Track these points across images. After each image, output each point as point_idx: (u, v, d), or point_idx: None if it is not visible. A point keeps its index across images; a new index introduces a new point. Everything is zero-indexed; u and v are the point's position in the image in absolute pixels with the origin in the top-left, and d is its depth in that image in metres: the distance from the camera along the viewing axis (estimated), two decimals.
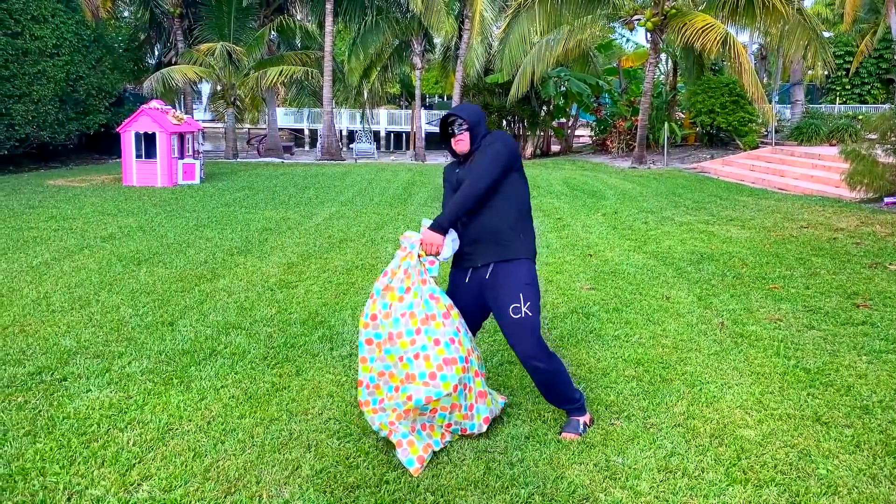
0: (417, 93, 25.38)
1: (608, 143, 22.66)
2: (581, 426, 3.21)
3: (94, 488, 2.73)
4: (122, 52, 23.33)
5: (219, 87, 22.55)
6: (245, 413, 3.40)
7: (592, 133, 26.42)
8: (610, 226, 9.02)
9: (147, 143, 14.14)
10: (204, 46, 21.14)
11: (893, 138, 10.75)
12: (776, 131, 19.45)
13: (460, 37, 23.28)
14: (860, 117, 19.18)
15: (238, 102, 22.82)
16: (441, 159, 23.73)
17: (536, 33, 18.76)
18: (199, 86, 27.07)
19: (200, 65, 21.08)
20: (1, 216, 9.53)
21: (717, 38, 15.75)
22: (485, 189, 3.02)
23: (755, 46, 32.07)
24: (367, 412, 3.04)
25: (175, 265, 6.63)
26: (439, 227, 3.02)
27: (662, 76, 24.06)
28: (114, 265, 6.60)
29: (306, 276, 6.23)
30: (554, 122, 27.28)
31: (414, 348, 2.92)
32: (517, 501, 2.68)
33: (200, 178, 14.82)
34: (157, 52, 26.94)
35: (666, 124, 19.20)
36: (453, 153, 3.25)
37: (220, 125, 30.95)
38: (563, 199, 11.73)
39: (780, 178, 14.11)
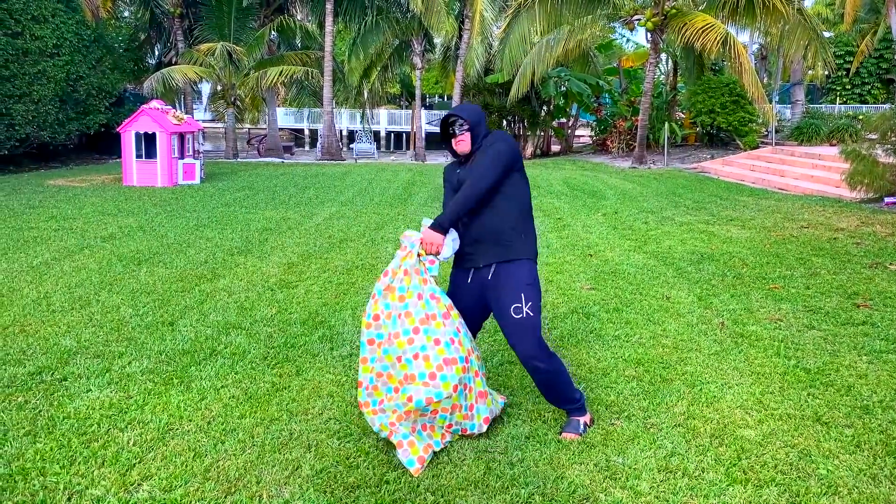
0: (418, 93, 25.38)
1: (608, 143, 22.65)
2: (581, 426, 3.21)
3: (94, 488, 2.73)
4: (123, 52, 23.33)
5: (219, 87, 22.56)
6: (245, 413, 3.40)
7: (593, 133, 26.42)
8: (610, 226, 9.02)
9: (147, 143, 14.14)
10: (204, 46, 21.14)
11: (894, 138, 10.75)
12: (776, 131, 19.45)
13: (460, 37, 23.28)
14: (860, 117, 19.18)
15: (238, 102, 22.82)
16: (441, 159, 23.73)
17: (536, 33, 18.76)
18: (199, 86, 27.08)
19: (201, 65, 21.09)
20: (1, 216, 9.54)
21: (718, 38, 15.75)
22: (486, 189, 3.02)
23: (755, 46, 32.06)
24: (367, 413, 3.04)
25: (175, 265, 6.63)
26: (439, 226, 3.02)
27: (663, 76, 24.06)
28: (114, 265, 6.60)
29: (306, 276, 6.23)
30: (554, 122, 27.28)
31: (413, 348, 2.91)
32: (517, 501, 2.68)
33: (201, 178, 14.82)
34: (157, 52, 26.94)
35: (666, 124, 19.20)
36: (454, 153, 3.25)
37: (220, 125, 30.96)
38: (563, 199, 11.73)
39: (780, 178, 14.10)
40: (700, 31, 15.94)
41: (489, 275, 3.13)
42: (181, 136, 14.86)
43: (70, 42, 18.24)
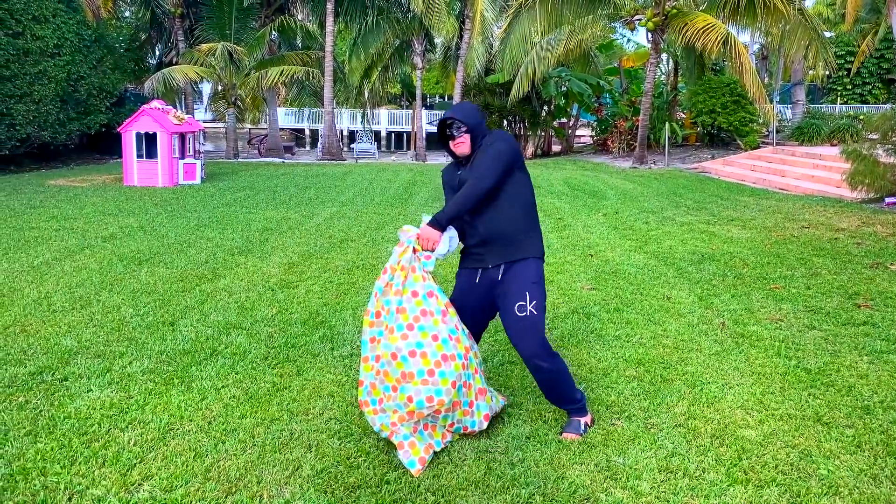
0: (418, 93, 25.38)
1: (609, 143, 22.65)
2: (582, 426, 3.21)
3: (94, 488, 2.73)
4: (123, 52, 23.34)
5: (220, 87, 22.56)
6: (246, 413, 3.40)
7: (593, 133, 26.41)
8: (611, 226, 9.02)
9: (148, 143, 14.15)
10: (205, 46, 21.15)
11: (894, 138, 10.74)
12: (777, 131, 19.44)
13: (461, 37, 23.28)
14: (861, 117, 19.17)
15: (239, 102, 22.83)
16: (442, 159, 23.72)
17: (537, 33, 18.75)
18: (200, 86, 27.06)
19: (201, 65, 21.09)
20: (2, 216, 9.54)
21: (718, 38, 15.74)
22: (487, 189, 3.01)
23: (756, 46, 32.06)
24: (367, 413, 3.04)
25: (176, 265, 6.63)
26: (437, 223, 3.03)
27: (663, 76, 24.05)
28: (115, 265, 6.60)
29: (307, 276, 6.23)
30: (555, 122, 27.27)
31: (408, 344, 2.91)
32: (518, 501, 2.67)
33: (201, 178, 14.82)
34: (158, 52, 26.95)
35: (667, 124, 19.20)
36: (453, 155, 3.24)
37: (220, 125, 30.97)
38: (563, 199, 11.72)
39: (781, 179, 14.10)
40: (701, 31, 15.94)
41: (499, 275, 3.14)
42: (182, 136, 14.86)
43: (71, 42, 18.25)
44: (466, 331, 3.16)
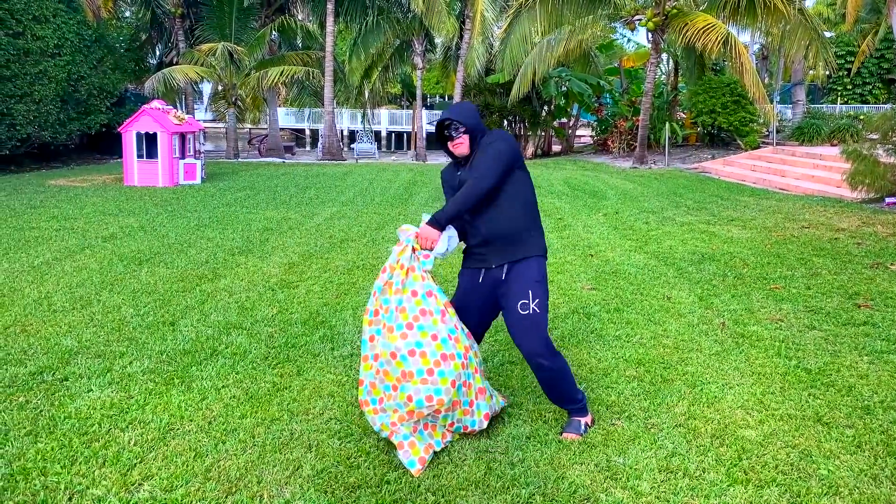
0: (418, 93, 25.38)
1: (609, 143, 22.65)
2: (582, 427, 3.21)
3: (95, 488, 2.73)
4: (124, 52, 23.35)
5: (220, 87, 22.56)
6: (246, 413, 3.41)
7: (593, 133, 26.41)
8: (611, 226, 9.02)
9: (148, 143, 14.15)
10: (205, 46, 21.15)
11: (895, 138, 10.74)
12: (777, 131, 19.44)
13: (461, 37, 23.28)
14: (861, 117, 19.18)
15: (239, 102, 22.83)
16: (442, 159, 23.72)
17: (537, 33, 18.75)
18: (200, 86, 27.07)
19: (202, 65, 21.10)
20: (2, 216, 9.54)
21: (719, 38, 15.74)
22: (487, 189, 3.01)
23: (756, 46, 32.06)
24: (367, 412, 3.04)
25: (176, 265, 6.63)
26: (436, 222, 3.03)
27: (663, 76, 24.05)
28: (115, 265, 6.60)
29: (307, 276, 6.23)
30: (555, 122, 27.27)
31: (408, 344, 2.91)
32: (518, 502, 2.68)
33: (201, 178, 14.83)
34: (158, 52, 26.96)
35: (667, 124, 19.20)
36: (452, 156, 3.24)
37: (221, 125, 30.96)
38: (564, 199, 11.72)
39: (781, 179, 14.10)
40: (701, 31, 15.94)
41: (502, 274, 3.14)
42: (182, 136, 14.87)
43: (71, 42, 18.26)
44: (466, 330, 3.16)
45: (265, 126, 28.30)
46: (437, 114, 33.51)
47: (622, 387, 3.75)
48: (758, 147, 18.62)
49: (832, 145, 16.83)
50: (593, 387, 3.75)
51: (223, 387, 3.72)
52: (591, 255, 7.16)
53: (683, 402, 3.54)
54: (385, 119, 36.08)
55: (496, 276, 3.16)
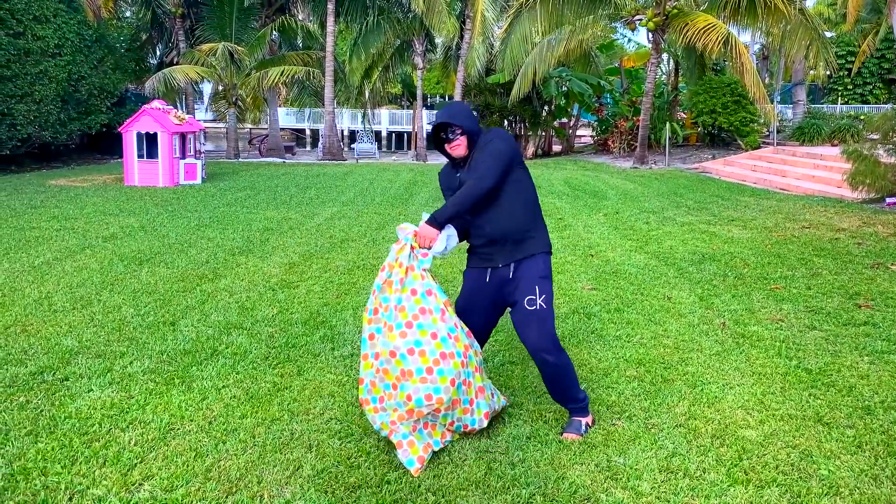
0: (419, 93, 25.39)
1: (610, 143, 22.64)
2: (583, 427, 3.21)
3: (95, 488, 2.73)
4: (124, 52, 23.35)
5: (220, 87, 22.57)
6: (246, 413, 3.41)
7: (594, 133, 26.41)
8: (611, 226, 9.02)
9: (149, 143, 14.16)
10: (206, 46, 21.16)
11: (895, 138, 10.73)
12: (778, 131, 19.43)
13: (462, 37, 23.29)
14: (862, 117, 19.16)
15: (240, 102, 22.84)
16: (443, 159, 23.70)
17: (538, 33, 18.75)
18: (200, 86, 27.08)
19: (202, 65, 21.10)
20: (3, 216, 9.55)
21: (719, 38, 15.74)
22: (487, 190, 3.01)
23: (757, 46, 32.05)
24: (367, 411, 3.04)
25: (177, 265, 6.63)
26: (435, 221, 3.04)
27: (664, 76, 24.06)
28: (115, 265, 6.60)
29: (308, 276, 6.23)
30: (555, 122, 27.27)
31: (407, 342, 2.91)
32: (518, 502, 2.67)
33: (202, 178, 14.83)
34: (158, 52, 26.97)
35: (667, 124, 19.19)
36: (449, 157, 3.24)
37: (221, 125, 30.98)
38: (564, 199, 11.72)
39: (781, 179, 14.09)
40: (701, 30, 15.94)
41: (510, 273, 3.15)
42: (182, 136, 14.87)
43: (72, 42, 18.26)
44: (466, 329, 3.17)
45: (265, 126, 28.31)
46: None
47: (622, 387, 3.75)
48: (758, 147, 18.61)
49: (833, 145, 16.83)
50: (594, 387, 3.75)
51: (223, 387, 3.72)
52: (592, 255, 7.16)
53: (684, 403, 3.54)
54: (385, 119, 36.08)
55: (503, 274, 3.17)
